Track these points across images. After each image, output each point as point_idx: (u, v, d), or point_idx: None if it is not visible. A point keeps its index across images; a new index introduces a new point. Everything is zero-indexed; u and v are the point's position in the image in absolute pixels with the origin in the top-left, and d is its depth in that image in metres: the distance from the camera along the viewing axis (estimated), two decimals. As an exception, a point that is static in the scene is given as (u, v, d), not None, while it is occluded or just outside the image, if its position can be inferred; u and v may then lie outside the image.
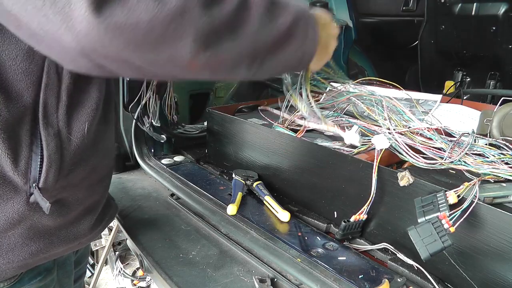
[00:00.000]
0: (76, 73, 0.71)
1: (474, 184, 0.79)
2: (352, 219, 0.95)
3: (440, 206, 0.78)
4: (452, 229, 0.74)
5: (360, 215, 0.94)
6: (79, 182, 0.79)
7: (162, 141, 1.57)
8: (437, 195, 0.80)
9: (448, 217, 0.75)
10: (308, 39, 0.72)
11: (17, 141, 0.67)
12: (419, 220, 0.79)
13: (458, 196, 0.78)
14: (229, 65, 0.63)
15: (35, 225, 0.74)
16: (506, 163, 0.88)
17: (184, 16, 0.53)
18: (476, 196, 0.76)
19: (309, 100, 0.97)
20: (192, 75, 0.62)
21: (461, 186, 0.80)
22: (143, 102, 1.49)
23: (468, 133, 0.97)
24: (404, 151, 0.97)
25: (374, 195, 0.92)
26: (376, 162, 0.91)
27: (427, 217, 0.78)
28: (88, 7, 0.48)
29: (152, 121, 1.52)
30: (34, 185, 0.70)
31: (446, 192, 0.80)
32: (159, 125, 1.53)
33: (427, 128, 1.01)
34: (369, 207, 0.93)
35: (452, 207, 0.77)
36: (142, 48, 0.54)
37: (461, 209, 0.75)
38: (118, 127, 1.56)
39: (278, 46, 0.67)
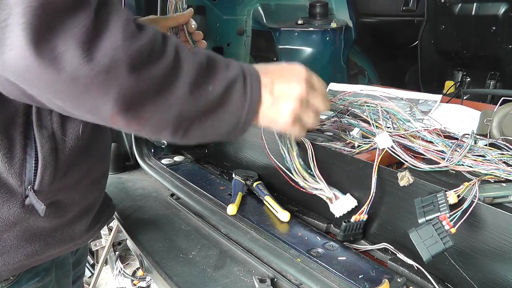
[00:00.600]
0: None
1: (474, 184, 0.79)
2: (352, 220, 0.95)
3: (440, 206, 0.78)
4: (453, 230, 0.74)
5: (361, 215, 0.94)
6: (74, 184, 0.78)
7: (163, 146, 1.56)
8: (437, 195, 0.80)
9: (449, 218, 0.75)
10: (247, 104, 0.66)
11: (11, 143, 0.67)
12: (419, 221, 0.79)
13: (458, 196, 0.78)
14: (152, 128, 0.62)
15: (30, 227, 0.74)
16: (505, 162, 0.88)
17: (109, 73, 0.53)
18: (476, 196, 0.76)
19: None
20: (117, 128, 0.62)
21: (461, 186, 0.80)
22: None
23: (468, 135, 0.97)
24: (404, 154, 0.96)
25: (374, 195, 0.91)
26: (377, 162, 0.91)
27: (427, 218, 0.78)
28: (24, 42, 0.49)
29: None
30: (29, 187, 0.69)
31: (446, 192, 0.80)
32: None
33: (426, 130, 1.00)
34: (369, 206, 0.93)
35: (452, 207, 0.77)
36: (62, 96, 0.55)
37: (461, 210, 0.75)
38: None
39: (207, 113, 0.64)
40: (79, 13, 0.51)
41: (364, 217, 0.94)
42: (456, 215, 0.75)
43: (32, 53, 0.50)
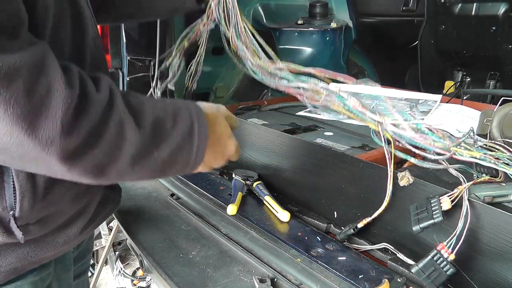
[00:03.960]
0: None
1: (467, 188, 0.78)
2: (360, 225, 0.94)
3: (434, 213, 0.78)
4: (452, 257, 0.75)
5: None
6: (60, 198, 0.76)
7: None
8: (431, 201, 0.80)
9: (446, 245, 0.75)
10: (193, 157, 0.72)
11: None
12: (414, 229, 0.79)
13: (452, 201, 0.78)
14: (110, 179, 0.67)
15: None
16: (497, 159, 0.87)
17: (48, 152, 0.55)
18: (468, 212, 0.76)
19: None
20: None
21: (455, 190, 0.79)
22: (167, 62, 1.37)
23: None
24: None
25: (388, 201, 0.88)
26: (391, 168, 0.87)
27: (421, 225, 0.78)
28: None
29: (169, 85, 1.39)
30: (11, 213, 0.69)
31: (440, 198, 0.79)
32: (173, 88, 1.43)
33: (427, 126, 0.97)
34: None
35: (447, 212, 0.77)
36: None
37: (456, 235, 0.75)
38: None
39: (153, 173, 0.69)
40: (20, 99, 0.52)
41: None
42: (452, 242, 0.75)
43: None
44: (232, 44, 1.12)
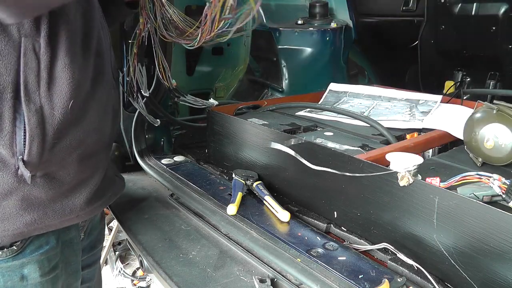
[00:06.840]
0: (55, 52, 0.75)
1: None
2: None
3: None
4: None
5: None
6: (66, 156, 0.81)
7: (156, 125, 1.46)
8: None
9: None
10: None
11: (1, 118, 0.72)
12: None
13: None
14: None
15: (27, 197, 0.78)
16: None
17: None
18: None
19: None
20: None
21: None
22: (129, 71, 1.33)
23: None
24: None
25: None
26: None
27: None
28: None
29: (141, 91, 1.34)
30: (20, 157, 0.74)
31: None
32: (147, 94, 1.38)
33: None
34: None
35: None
36: None
37: None
38: (118, 127, 1.56)
39: None
40: None
41: None
42: None
43: None
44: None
